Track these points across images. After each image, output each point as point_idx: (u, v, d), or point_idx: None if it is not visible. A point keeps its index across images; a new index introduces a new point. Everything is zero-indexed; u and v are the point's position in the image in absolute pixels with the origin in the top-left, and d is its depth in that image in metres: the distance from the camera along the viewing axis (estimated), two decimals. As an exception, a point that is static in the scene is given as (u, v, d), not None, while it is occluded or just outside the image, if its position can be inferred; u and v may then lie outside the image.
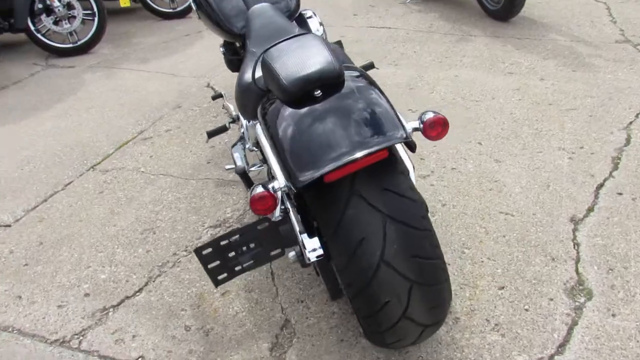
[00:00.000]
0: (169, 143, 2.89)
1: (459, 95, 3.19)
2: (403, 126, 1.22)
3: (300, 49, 1.34)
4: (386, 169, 1.24)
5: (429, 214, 2.16)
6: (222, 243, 1.24)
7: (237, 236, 1.25)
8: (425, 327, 1.30)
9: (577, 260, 1.88)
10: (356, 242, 1.20)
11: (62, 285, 1.94)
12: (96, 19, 4.39)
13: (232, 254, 1.25)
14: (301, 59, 1.29)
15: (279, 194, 1.23)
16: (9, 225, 2.31)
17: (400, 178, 1.25)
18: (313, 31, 2.15)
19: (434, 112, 1.29)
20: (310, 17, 2.21)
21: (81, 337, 1.72)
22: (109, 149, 2.88)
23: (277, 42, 1.41)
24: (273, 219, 1.27)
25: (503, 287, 1.79)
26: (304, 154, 1.18)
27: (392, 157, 1.26)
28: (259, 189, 1.21)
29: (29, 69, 4.16)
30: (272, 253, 1.28)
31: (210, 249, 1.24)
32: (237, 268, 1.28)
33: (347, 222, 1.21)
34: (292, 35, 1.43)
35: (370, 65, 2.50)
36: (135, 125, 3.14)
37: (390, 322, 1.25)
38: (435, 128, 1.27)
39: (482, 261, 1.90)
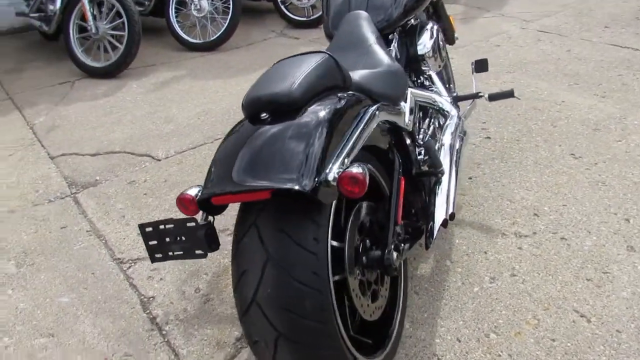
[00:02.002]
0: (312, 125, 3.07)
1: (654, 153, 2.48)
2: (318, 175, 1.11)
3: (287, 67, 1.32)
4: (294, 211, 1.16)
5: (489, 278, 1.85)
6: (160, 227, 1.37)
7: (171, 225, 1.35)
8: None
9: (623, 413, 1.38)
10: (241, 272, 1.18)
11: (153, 219, 2.37)
12: (332, -3, 4.76)
13: (168, 239, 1.37)
14: (273, 78, 1.28)
15: None
16: (159, 160, 2.87)
17: (307, 226, 1.15)
18: (418, 46, 1.99)
19: (362, 165, 1.13)
20: (425, 29, 2.03)
21: (132, 264, 2.10)
22: (265, 118, 3.22)
23: (291, 56, 1.42)
24: (200, 222, 1.32)
25: (496, 395, 1.46)
26: (213, 170, 1.20)
27: (312, 202, 1.16)
28: (189, 191, 1.28)
29: (264, 35, 4.84)
30: (197, 252, 1.34)
31: (151, 228, 1.38)
32: (170, 253, 1.39)
33: (241, 249, 1.19)
34: (307, 52, 1.40)
35: (508, 94, 2.19)
36: (301, 101, 3.41)
37: (265, 363, 1.21)
38: (357, 185, 1.11)
39: (499, 356, 1.56)
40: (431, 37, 2.00)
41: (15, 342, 1.76)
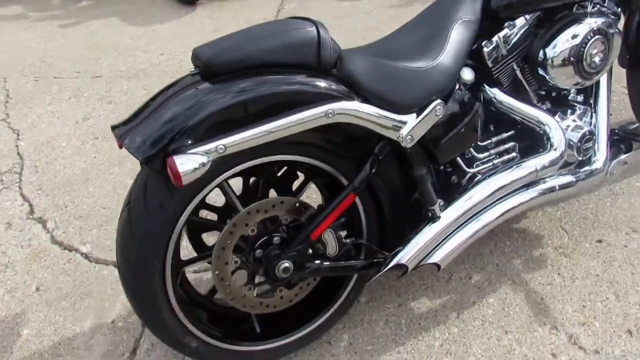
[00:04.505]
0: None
1: None
2: (164, 147, 1.05)
3: (254, 30, 1.21)
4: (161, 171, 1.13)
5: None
6: None
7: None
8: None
9: None
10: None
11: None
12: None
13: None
14: (230, 37, 1.19)
15: None
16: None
17: (162, 189, 1.12)
18: (545, 45, 1.42)
19: (204, 157, 1.02)
20: (573, 26, 1.41)
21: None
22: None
23: (286, 18, 1.28)
24: None
25: None
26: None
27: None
28: None
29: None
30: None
31: None
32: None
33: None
34: (297, 17, 1.24)
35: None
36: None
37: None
38: (173, 174, 1.02)
39: None
40: (571, 38, 1.40)
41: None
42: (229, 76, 1.14)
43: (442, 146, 1.35)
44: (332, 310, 1.44)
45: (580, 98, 1.61)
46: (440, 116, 1.29)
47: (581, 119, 1.58)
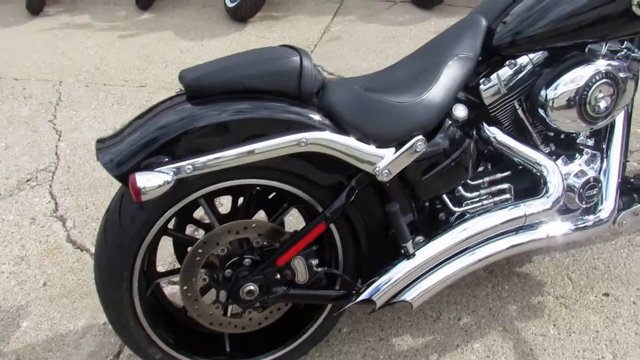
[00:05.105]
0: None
1: None
2: (135, 165, 1.10)
3: (241, 56, 1.24)
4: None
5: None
6: None
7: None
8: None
9: None
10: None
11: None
12: None
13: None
14: (218, 62, 1.24)
15: None
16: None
17: (135, 204, 1.17)
18: (548, 87, 1.35)
19: (168, 174, 1.05)
20: (579, 69, 1.34)
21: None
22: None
23: (279, 45, 1.32)
24: None
25: None
26: None
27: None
28: None
29: None
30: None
31: None
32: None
33: None
34: (286, 46, 1.28)
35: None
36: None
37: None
38: (133, 190, 1.06)
39: None
40: (575, 80, 1.33)
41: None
42: (209, 99, 1.18)
43: (425, 182, 1.32)
44: (303, 337, 1.43)
45: (590, 142, 1.53)
46: (421, 152, 1.27)
47: (588, 164, 1.50)
